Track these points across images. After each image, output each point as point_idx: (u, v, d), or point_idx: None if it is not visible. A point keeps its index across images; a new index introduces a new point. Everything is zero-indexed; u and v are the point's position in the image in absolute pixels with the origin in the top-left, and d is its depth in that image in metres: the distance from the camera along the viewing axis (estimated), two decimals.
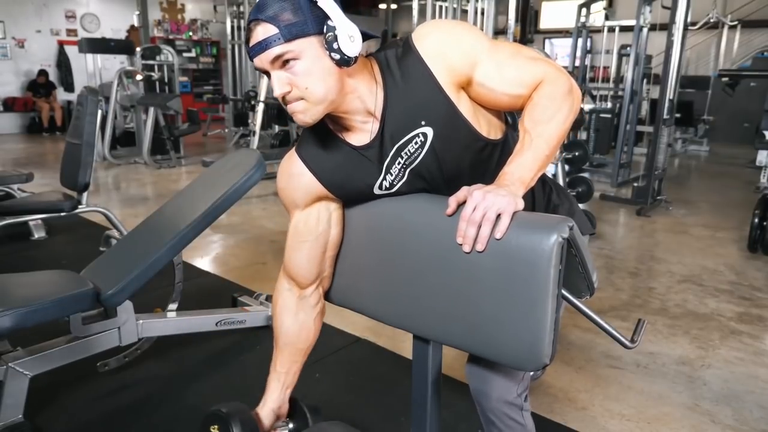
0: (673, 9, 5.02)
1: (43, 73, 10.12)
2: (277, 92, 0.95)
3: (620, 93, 6.48)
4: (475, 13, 6.64)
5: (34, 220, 3.66)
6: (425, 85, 0.99)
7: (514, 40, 6.15)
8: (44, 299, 1.74)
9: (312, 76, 0.94)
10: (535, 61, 1.02)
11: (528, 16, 9.50)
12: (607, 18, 7.20)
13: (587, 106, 6.04)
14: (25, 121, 10.25)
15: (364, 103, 1.01)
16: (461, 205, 0.94)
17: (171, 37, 11.80)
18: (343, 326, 2.56)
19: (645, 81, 6.53)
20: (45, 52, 10.52)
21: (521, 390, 1.24)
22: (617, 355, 2.42)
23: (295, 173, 1.12)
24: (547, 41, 11.60)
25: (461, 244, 0.94)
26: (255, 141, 6.41)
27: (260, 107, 6.44)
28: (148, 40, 8.64)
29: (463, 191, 0.95)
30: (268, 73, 0.95)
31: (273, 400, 1.24)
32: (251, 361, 2.34)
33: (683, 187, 6.36)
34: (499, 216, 0.90)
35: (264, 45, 0.91)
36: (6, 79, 10.16)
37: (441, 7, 7.02)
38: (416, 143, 1.03)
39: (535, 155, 0.97)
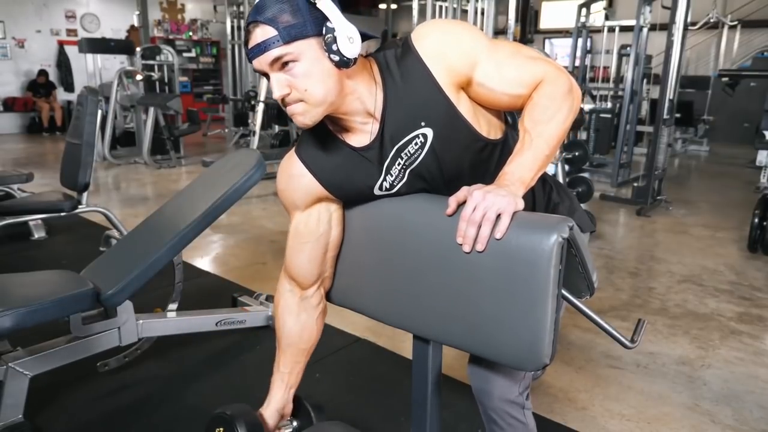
0: (673, 9, 5.02)
1: (43, 73, 10.12)
2: (277, 94, 0.95)
3: (620, 93, 6.48)
4: (475, 13, 6.64)
5: (34, 220, 3.66)
6: (425, 85, 0.99)
7: (514, 40, 6.15)
8: (44, 299, 1.74)
9: (311, 78, 0.93)
10: (535, 60, 1.02)
11: (528, 16, 9.50)
12: (607, 18, 7.20)
13: (587, 106, 6.04)
14: (25, 121, 10.25)
15: (363, 104, 1.01)
16: (461, 205, 0.94)
17: (171, 37, 11.80)
18: (343, 326, 2.56)
19: (645, 81, 6.52)
20: (45, 52, 10.52)
21: (522, 389, 1.24)
22: (617, 355, 2.42)
23: (295, 174, 1.12)
24: (547, 41, 11.60)
25: (461, 244, 0.94)
26: (255, 141, 6.41)
27: (260, 107, 6.44)
28: (148, 40, 8.64)
29: (463, 191, 0.95)
30: (267, 75, 0.95)
31: (277, 401, 1.24)
32: (251, 361, 2.34)
33: (683, 187, 6.37)
34: (499, 216, 0.90)
35: (263, 47, 0.91)
36: (6, 79, 10.16)
37: (441, 7, 7.02)
38: (416, 144, 1.03)
39: (535, 155, 0.97)
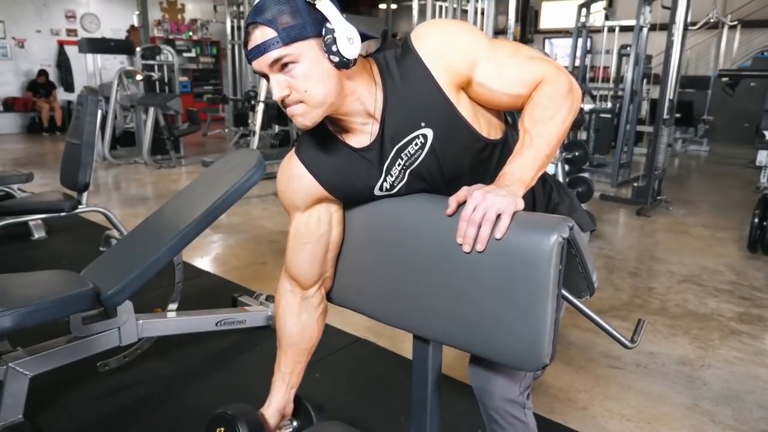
0: (673, 9, 5.02)
1: (43, 73, 10.12)
2: (277, 95, 0.95)
3: (620, 93, 6.48)
4: (475, 13, 6.64)
5: (34, 220, 3.66)
6: (424, 86, 0.99)
7: (514, 40, 6.14)
8: (44, 299, 1.74)
9: (311, 79, 0.93)
10: (535, 60, 1.02)
11: (528, 16, 9.50)
12: (607, 18, 7.19)
13: (587, 106, 6.04)
14: (25, 121, 10.25)
15: (363, 104, 1.01)
16: (461, 205, 0.94)
17: (171, 37, 11.80)
18: (343, 326, 2.56)
19: (645, 81, 6.52)
20: (45, 52, 10.52)
21: (523, 388, 1.24)
22: (617, 355, 2.42)
23: (295, 175, 1.11)
24: (547, 41, 11.60)
25: (461, 244, 0.94)
26: (255, 141, 6.42)
27: (260, 107, 6.44)
28: (148, 40, 8.64)
29: (463, 191, 0.95)
30: (267, 76, 0.95)
31: (278, 401, 1.24)
32: (251, 361, 2.35)
33: (683, 187, 6.37)
34: (499, 216, 0.90)
35: (262, 48, 0.91)
36: (6, 79, 10.16)
37: (441, 7, 7.02)
38: (416, 144, 1.03)
39: (535, 155, 0.97)
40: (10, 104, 10.14)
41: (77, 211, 3.15)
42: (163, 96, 7.00)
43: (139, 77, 7.15)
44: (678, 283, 3.32)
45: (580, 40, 6.70)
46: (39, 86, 10.06)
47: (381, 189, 1.09)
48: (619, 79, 7.25)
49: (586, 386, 2.20)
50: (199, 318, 2.35)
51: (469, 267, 0.95)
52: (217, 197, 1.94)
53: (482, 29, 5.45)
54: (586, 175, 4.72)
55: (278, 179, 1.15)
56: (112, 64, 9.34)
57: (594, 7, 6.72)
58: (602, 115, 6.28)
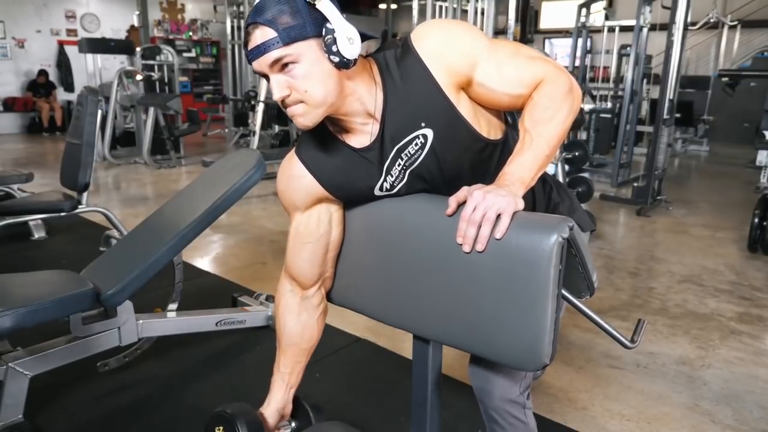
0: (673, 9, 5.02)
1: (43, 73, 10.12)
2: (277, 96, 0.94)
3: (620, 93, 6.48)
4: (475, 13, 6.64)
5: (34, 220, 3.66)
6: (425, 86, 0.99)
7: (514, 40, 6.14)
8: (44, 299, 1.74)
9: (311, 79, 0.93)
10: (535, 60, 1.02)
11: (528, 16, 9.50)
12: (607, 18, 7.19)
13: (587, 106, 6.04)
14: (25, 121, 10.25)
15: (363, 104, 1.01)
16: (461, 205, 0.94)
17: (171, 37, 11.80)
18: (343, 326, 2.57)
19: (645, 81, 6.52)
20: (45, 52, 10.52)
21: (523, 388, 1.24)
22: (617, 355, 2.42)
23: (295, 175, 1.11)
24: (547, 41, 11.60)
25: (461, 244, 0.94)
26: (255, 141, 6.42)
27: (260, 107, 6.44)
28: (148, 40, 8.64)
29: (463, 191, 0.95)
30: (267, 77, 0.95)
31: (277, 401, 1.24)
32: (251, 361, 2.35)
33: (683, 187, 6.37)
34: (499, 216, 0.90)
35: (262, 49, 0.91)
36: (6, 79, 10.16)
37: (441, 7, 7.02)
38: (416, 145, 1.03)
39: (535, 155, 0.97)
40: (10, 104, 10.14)
41: (77, 211, 3.15)
42: (163, 96, 7.00)
43: (139, 77, 7.16)
44: (678, 283, 3.32)
45: (580, 40, 6.70)
46: (39, 86, 10.06)
47: (381, 189, 1.09)
48: (619, 79, 7.25)
49: (586, 386, 2.20)
50: (199, 318, 2.35)
51: (469, 267, 0.95)
52: (217, 197, 1.94)
53: (482, 29, 5.45)
54: (586, 175, 4.72)
55: (278, 179, 1.15)
56: (112, 64, 9.34)
57: (594, 7, 6.72)
58: (602, 115, 6.28)
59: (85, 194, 3.12)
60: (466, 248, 0.93)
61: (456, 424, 1.91)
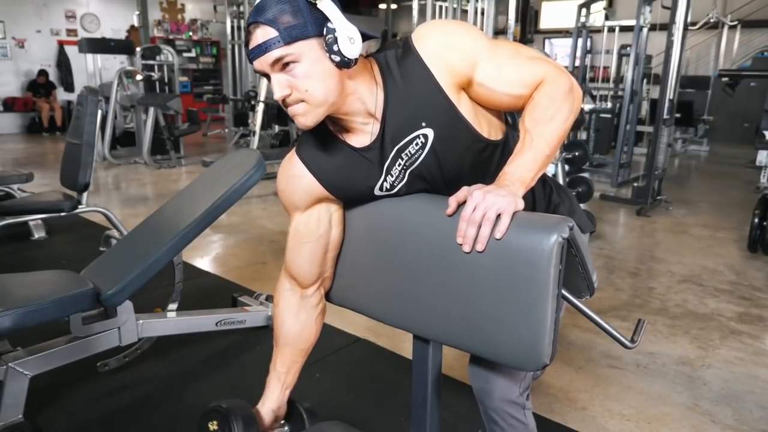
0: (673, 9, 5.02)
1: (43, 73, 10.12)
2: (278, 95, 0.95)
3: (620, 93, 6.48)
4: (475, 13, 6.64)
5: (34, 220, 3.66)
6: (425, 86, 0.99)
7: (514, 40, 6.15)
8: (44, 299, 1.74)
9: (312, 79, 0.93)
10: (535, 60, 1.02)
11: (528, 16, 9.51)
12: (607, 18, 7.19)
13: (587, 106, 6.03)
14: (25, 121, 10.25)
15: (364, 104, 1.01)
16: (461, 205, 0.94)
17: (171, 37, 11.80)
18: (343, 326, 2.57)
19: (645, 81, 6.52)
20: (45, 52, 10.52)
21: (523, 389, 1.24)
22: (617, 355, 2.42)
23: (295, 175, 1.11)
24: (547, 41, 11.60)
25: (461, 244, 0.94)
26: (255, 141, 6.42)
27: (260, 107, 6.44)
28: (148, 40, 8.64)
29: (463, 191, 0.95)
30: (268, 76, 0.95)
31: (272, 400, 1.23)
32: (251, 361, 2.35)
33: (683, 187, 6.37)
34: (499, 216, 0.90)
35: (263, 48, 0.91)
36: (6, 79, 10.16)
37: (441, 7, 7.02)
38: (417, 144, 1.03)
39: (535, 155, 0.97)
40: (10, 104, 10.13)
41: (77, 211, 3.15)
42: (163, 96, 7.00)
43: (139, 77, 7.16)
44: (678, 283, 3.32)
45: (580, 40, 6.70)
46: (39, 86, 10.06)
47: (381, 189, 1.09)
48: (619, 79, 7.25)
49: (586, 386, 2.20)
50: (199, 318, 2.35)
51: (469, 267, 0.95)
52: (217, 197, 1.94)
53: (482, 29, 5.45)
54: (586, 175, 4.72)
55: (278, 179, 1.15)
56: (112, 64, 9.34)
57: (594, 7, 6.72)
58: (602, 115, 6.28)
59: (85, 194, 3.12)
60: (466, 248, 0.93)
61: (456, 424, 1.91)
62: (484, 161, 1.09)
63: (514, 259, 0.90)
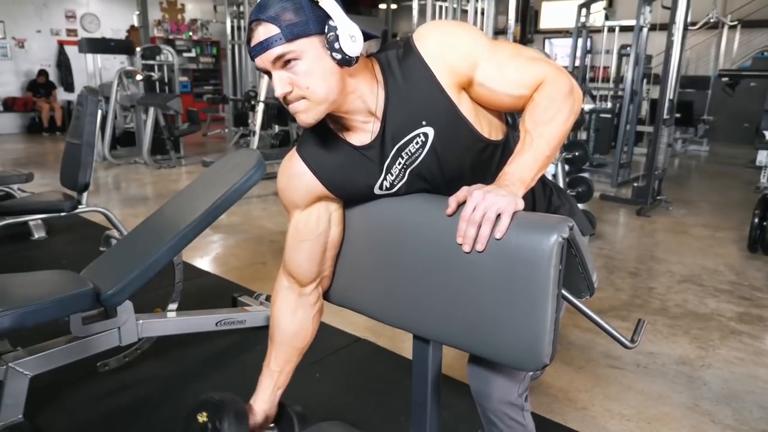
0: (673, 9, 5.02)
1: (43, 73, 10.12)
2: (279, 92, 0.95)
3: (620, 93, 6.48)
4: (475, 13, 6.64)
5: (34, 220, 3.66)
6: (426, 85, 0.99)
7: (514, 40, 6.16)
8: (44, 299, 1.74)
9: (313, 76, 0.94)
10: (536, 61, 1.02)
11: (528, 16, 9.51)
12: (607, 18, 7.20)
13: (587, 106, 6.03)
14: (25, 121, 10.25)
15: (365, 102, 1.01)
16: (461, 205, 0.94)
17: (171, 37, 11.80)
18: (343, 326, 2.56)
19: (645, 81, 6.52)
20: (45, 52, 10.52)
21: (522, 390, 1.24)
22: (617, 355, 2.42)
23: (295, 173, 1.11)
24: (547, 41, 11.61)
25: (461, 244, 0.94)
26: (255, 141, 6.42)
27: (260, 107, 6.45)
28: (148, 40, 8.64)
29: (463, 191, 0.95)
30: (269, 73, 0.95)
31: (264, 400, 1.23)
32: (251, 361, 2.34)
33: (683, 187, 6.37)
34: (499, 216, 0.90)
35: (265, 45, 0.91)
36: (6, 79, 10.16)
37: (441, 7, 7.02)
38: (417, 143, 1.03)
39: (535, 155, 0.97)
40: (10, 104, 10.13)
41: (77, 211, 3.15)
42: (163, 96, 7.01)
43: (139, 77, 7.16)
44: (678, 283, 3.32)
45: (580, 40, 6.70)
46: (39, 86, 10.06)
47: (381, 188, 1.09)
48: (619, 79, 7.25)
49: (586, 386, 2.20)
50: (199, 318, 2.35)
51: (469, 267, 0.95)
52: (217, 197, 1.94)
53: (482, 29, 5.46)
54: (586, 175, 4.71)
55: (279, 177, 1.15)
56: (112, 64, 9.34)
57: (594, 7, 6.72)
58: (602, 115, 6.28)
59: (85, 194, 3.13)
60: (466, 248, 0.93)
61: (456, 424, 1.91)
62: (485, 161, 1.09)
63: (514, 259, 0.90)
